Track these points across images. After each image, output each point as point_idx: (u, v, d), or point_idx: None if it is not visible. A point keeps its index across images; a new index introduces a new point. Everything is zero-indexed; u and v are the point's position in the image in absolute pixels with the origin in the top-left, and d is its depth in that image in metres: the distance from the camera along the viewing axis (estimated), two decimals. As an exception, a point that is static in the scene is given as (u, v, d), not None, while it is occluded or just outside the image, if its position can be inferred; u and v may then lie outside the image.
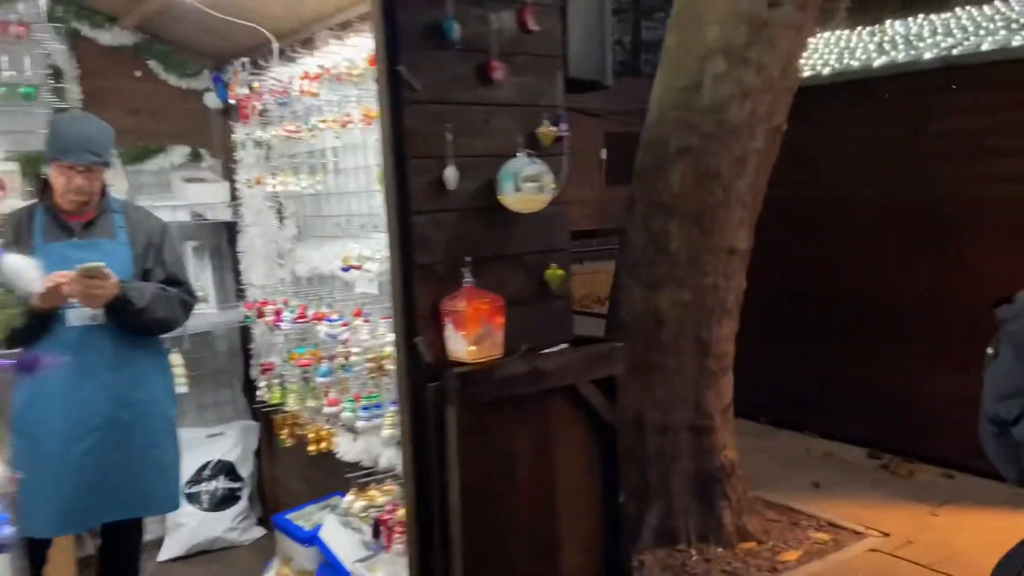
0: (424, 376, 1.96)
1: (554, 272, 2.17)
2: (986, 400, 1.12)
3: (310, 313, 2.96)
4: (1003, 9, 4.91)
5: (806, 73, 5.02)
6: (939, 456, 4.40)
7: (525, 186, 1.99)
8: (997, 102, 4.09)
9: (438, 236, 2.04)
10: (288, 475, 3.67)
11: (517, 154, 2.05)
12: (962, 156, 4.28)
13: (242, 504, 3.68)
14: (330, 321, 2.78)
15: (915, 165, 4.49)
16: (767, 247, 5.31)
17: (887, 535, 3.60)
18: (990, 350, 1.14)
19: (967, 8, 5.35)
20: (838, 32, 6.29)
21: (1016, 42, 4.02)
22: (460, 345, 1.98)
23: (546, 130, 2.14)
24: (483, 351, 1.99)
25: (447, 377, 1.93)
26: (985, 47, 4.13)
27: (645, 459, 3.55)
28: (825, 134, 4.90)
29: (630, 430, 3.57)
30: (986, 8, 5.03)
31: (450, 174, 2.01)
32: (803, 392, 5.11)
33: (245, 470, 3.72)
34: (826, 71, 4.91)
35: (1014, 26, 4.40)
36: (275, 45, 3.03)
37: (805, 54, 5.75)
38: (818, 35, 6.35)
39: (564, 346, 2.17)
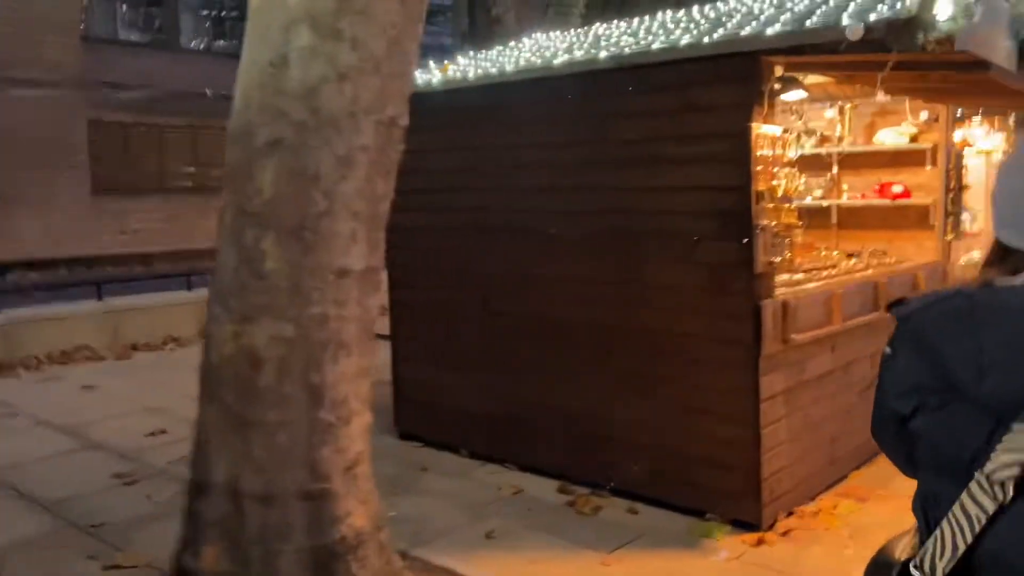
0: None
1: None
2: (886, 398, 1.16)
3: None
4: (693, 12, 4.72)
5: (490, 71, 4.53)
6: (627, 487, 4.06)
7: None
8: (667, 107, 3.79)
9: None
10: None
11: None
12: (640, 164, 3.94)
13: None
14: None
15: (601, 173, 4.11)
16: (460, 264, 4.80)
17: (544, 601, 3.11)
18: (888, 350, 1.16)
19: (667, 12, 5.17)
20: (551, 32, 5.95)
21: (685, 40, 3.72)
22: None
23: None
24: None
25: None
26: (656, 46, 3.81)
27: (245, 538, 2.78)
28: (510, 137, 4.43)
29: (223, 502, 2.80)
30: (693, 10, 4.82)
31: None
32: (501, 422, 4.61)
33: None
34: (509, 68, 4.43)
35: (692, 25, 4.16)
36: None
37: (509, 51, 5.31)
38: (533, 36, 5.98)
39: None
